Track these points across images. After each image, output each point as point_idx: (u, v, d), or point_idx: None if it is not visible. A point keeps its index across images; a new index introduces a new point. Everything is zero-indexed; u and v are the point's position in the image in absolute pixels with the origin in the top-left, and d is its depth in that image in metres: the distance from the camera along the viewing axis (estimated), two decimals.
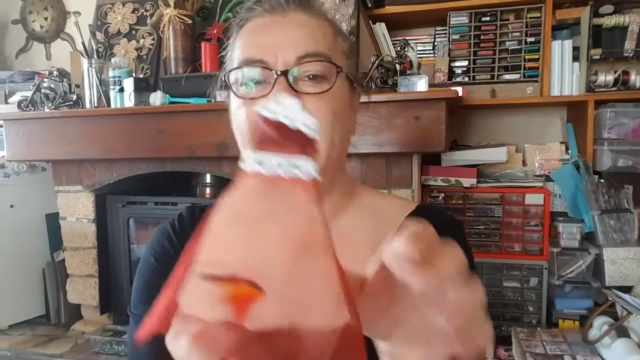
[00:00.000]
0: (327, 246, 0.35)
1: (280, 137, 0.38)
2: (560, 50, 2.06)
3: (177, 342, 0.34)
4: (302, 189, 0.36)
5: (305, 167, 0.37)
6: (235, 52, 0.69)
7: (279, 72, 0.63)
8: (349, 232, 0.73)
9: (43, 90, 2.16)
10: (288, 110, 0.38)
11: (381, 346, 0.40)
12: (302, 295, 0.34)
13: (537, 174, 2.09)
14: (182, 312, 0.35)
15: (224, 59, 0.75)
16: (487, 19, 2.11)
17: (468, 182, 2.01)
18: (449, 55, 2.16)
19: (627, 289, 1.76)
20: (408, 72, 1.82)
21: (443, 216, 0.80)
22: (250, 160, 0.37)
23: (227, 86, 0.69)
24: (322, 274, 0.35)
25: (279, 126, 0.38)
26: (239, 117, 0.68)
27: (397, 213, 0.77)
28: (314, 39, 0.66)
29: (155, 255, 0.80)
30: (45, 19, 2.90)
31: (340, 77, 0.67)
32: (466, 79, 2.13)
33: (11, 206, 2.35)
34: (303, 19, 0.68)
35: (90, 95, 2.15)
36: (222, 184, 2.24)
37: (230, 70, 0.69)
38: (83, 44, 2.16)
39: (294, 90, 0.64)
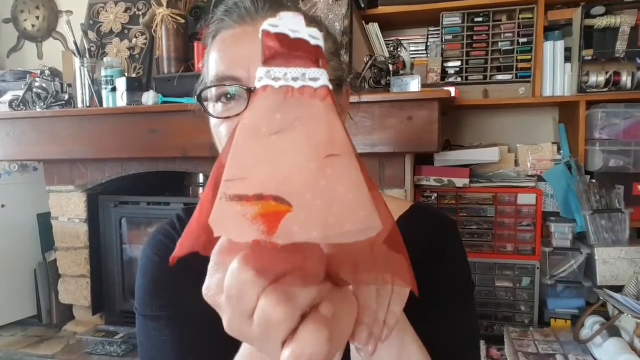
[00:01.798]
0: (351, 152, 0.35)
1: (286, 50, 0.37)
2: (552, 51, 2.07)
3: (220, 282, 0.35)
4: (317, 98, 0.37)
5: (315, 76, 0.37)
6: (210, 66, 0.67)
7: (252, 89, 0.61)
8: None
9: (35, 90, 2.15)
10: (292, 24, 0.37)
11: None
12: (332, 205, 0.33)
13: (530, 174, 2.10)
14: (215, 259, 0.37)
15: (202, 74, 0.73)
16: (480, 19, 2.11)
17: (461, 182, 2.01)
18: (442, 55, 2.17)
19: (619, 289, 1.77)
20: (401, 72, 1.82)
21: (437, 216, 0.80)
22: (260, 74, 0.37)
23: (202, 103, 0.67)
24: (349, 181, 0.34)
25: (283, 38, 0.37)
26: (219, 134, 0.67)
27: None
28: None
29: (157, 253, 0.78)
30: (37, 18, 2.88)
31: None
32: (459, 79, 2.14)
33: (2, 206, 2.34)
34: None
35: (82, 95, 2.13)
36: None
37: (202, 90, 0.67)
38: (75, 43, 2.14)
39: None
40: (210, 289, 0.37)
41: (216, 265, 0.36)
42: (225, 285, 0.35)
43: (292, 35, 0.37)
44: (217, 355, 0.53)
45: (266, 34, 0.37)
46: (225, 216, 0.34)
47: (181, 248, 0.38)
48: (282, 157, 0.35)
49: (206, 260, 0.38)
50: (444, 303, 0.71)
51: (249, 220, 0.33)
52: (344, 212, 0.34)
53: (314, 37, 0.37)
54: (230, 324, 0.36)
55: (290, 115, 0.36)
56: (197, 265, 0.40)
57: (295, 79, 0.37)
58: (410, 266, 0.40)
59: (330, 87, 0.37)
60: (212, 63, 0.66)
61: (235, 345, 0.45)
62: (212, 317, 0.38)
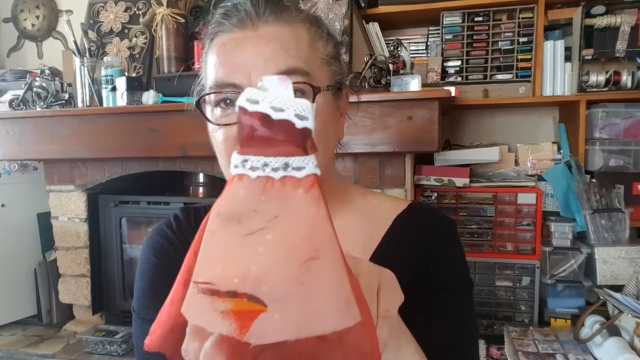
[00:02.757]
0: (334, 251, 0.33)
1: (266, 132, 0.32)
2: (552, 50, 2.07)
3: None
4: (300, 190, 0.33)
5: (299, 165, 0.32)
6: (208, 69, 0.66)
7: None
8: (341, 233, 0.73)
9: (35, 89, 2.14)
10: (274, 97, 0.32)
11: None
12: (309, 304, 0.31)
13: (530, 173, 2.10)
14: (192, 327, 0.35)
15: (199, 75, 0.72)
16: (480, 19, 2.11)
17: (461, 181, 2.01)
18: (442, 55, 2.16)
19: (619, 288, 1.77)
20: (401, 71, 1.82)
21: (435, 214, 0.80)
22: (235, 161, 0.33)
23: (201, 109, 0.67)
24: (330, 278, 0.32)
25: (263, 118, 0.32)
26: (217, 139, 0.66)
27: (389, 212, 0.77)
28: (288, 53, 0.62)
29: (155, 254, 0.79)
30: (37, 17, 2.88)
31: (320, 94, 0.64)
32: (459, 78, 2.14)
33: (2, 205, 2.34)
34: (275, 32, 0.63)
35: (82, 94, 2.13)
36: (215, 183, 2.23)
37: (202, 96, 0.66)
38: (75, 42, 2.14)
39: None
40: (188, 353, 0.36)
41: (193, 334, 0.35)
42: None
43: (275, 115, 0.32)
44: None
45: (243, 111, 0.32)
46: (197, 308, 0.32)
47: (151, 340, 0.37)
48: (259, 255, 0.32)
49: None
50: (442, 302, 0.71)
51: (221, 315, 0.31)
52: (321, 313, 0.31)
53: (301, 116, 0.32)
54: None
55: (268, 211, 0.32)
56: None
57: (275, 170, 0.32)
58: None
59: (318, 173, 0.33)
60: (211, 67, 0.65)
61: None
62: None
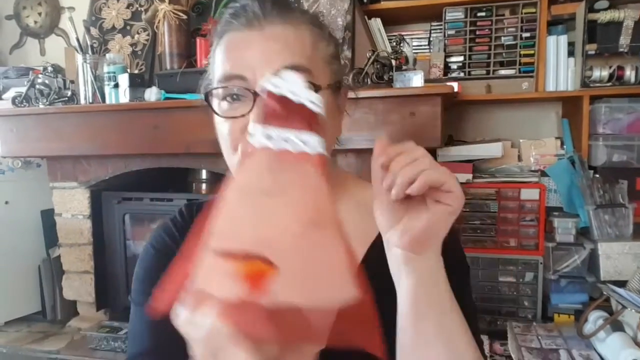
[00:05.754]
0: (334, 221, 0.36)
1: (286, 112, 0.38)
2: (555, 45, 2.06)
3: (195, 321, 0.36)
4: (309, 164, 0.38)
5: (311, 142, 0.38)
6: (216, 65, 0.71)
7: (257, 92, 0.63)
8: None
9: (37, 86, 2.15)
10: (292, 85, 0.39)
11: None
12: (312, 271, 0.35)
13: (533, 169, 2.09)
14: (195, 290, 0.36)
15: (206, 70, 0.76)
16: (483, 14, 2.11)
17: (464, 177, 2.01)
18: (445, 50, 2.16)
19: (622, 284, 1.77)
20: (404, 67, 1.82)
21: None
22: (259, 134, 0.38)
23: (208, 102, 0.70)
24: (330, 249, 0.36)
25: (284, 100, 0.38)
26: (222, 131, 0.70)
27: None
28: (291, 51, 0.66)
29: (155, 246, 0.82)
30: (39, 14, 2.88)
31: (321, 91, 0.67)
32: (462, 74, 2.13)
33: (6, 203, 2.34)
34: (280, 31, 0.67)
35: (85, 91, 2.14)
36: (218, 179, 2.23)
37: (209, 91, 0.70)
38: (77, 39, 2.15)
39: None
40: (183, 321, 0.37)
41: (194, 300, 0.36)
42: (201, 331, 0.35)
43: (294, 99, 0.38)
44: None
45: (269, 93, 0.39)
46: (210, 271, 0.35)
47: (162, 301, 0.38)
48: (272, 218, 0.36)
49: None
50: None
51: (234, 277, 0.34)
52: (325, 279, 0.35)
53: (313, 102, 0.39)
54: (201, 358, 0.37)
55: (283, 179, 0.37)
56: None
57: (293, 143, 0.38)
58: (380, 333, 0.39)
59: (325, 154, 0.38)
60: (219, 62, 0.70)
61: None
62: None
